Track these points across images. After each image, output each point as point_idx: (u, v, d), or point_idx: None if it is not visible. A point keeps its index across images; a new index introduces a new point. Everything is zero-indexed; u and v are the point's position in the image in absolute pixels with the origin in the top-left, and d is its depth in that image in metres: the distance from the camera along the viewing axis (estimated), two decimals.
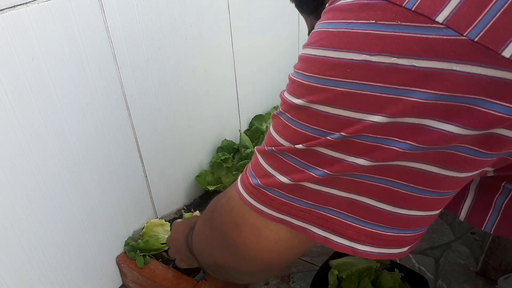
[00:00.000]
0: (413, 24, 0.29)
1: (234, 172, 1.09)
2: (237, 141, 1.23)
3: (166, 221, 1.02)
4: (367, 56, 0.31)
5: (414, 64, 0.29)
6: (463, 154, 0.33)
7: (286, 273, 1.01)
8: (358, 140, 0.34)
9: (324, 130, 0.35)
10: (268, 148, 0.40)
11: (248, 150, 1.16)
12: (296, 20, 1.39)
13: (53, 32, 0.69)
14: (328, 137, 0.35)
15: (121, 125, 0.87)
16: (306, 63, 0.36)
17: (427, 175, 0.34)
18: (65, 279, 0.85)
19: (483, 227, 0.44)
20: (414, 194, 0.36)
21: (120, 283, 1.00)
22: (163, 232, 0.99)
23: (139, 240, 0.97)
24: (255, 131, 1.24)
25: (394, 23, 0.30)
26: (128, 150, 0.91)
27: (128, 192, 0.94)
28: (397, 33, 0.30)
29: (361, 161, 0.34)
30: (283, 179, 0.39)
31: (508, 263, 0.92)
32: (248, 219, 0.44)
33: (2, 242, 0.72)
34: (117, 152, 0.88)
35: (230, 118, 1.23)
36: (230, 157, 1.14)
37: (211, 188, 1.10)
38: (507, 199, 0.42)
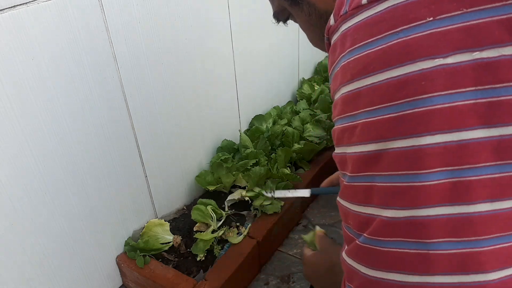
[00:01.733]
0: (483, 6, 0.26)
1: (234, 172, 1.09)
2: (237, 141, 1.23)
3: (165, 221, 1.02)
4: (440, 59, 0.27)
5: (502, 53, 0.26)
6: None
7: (286, 273, 1.02)
8: (475, 178, 0.29)
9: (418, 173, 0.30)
10: None
11: (248, 150, 1.16)
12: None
13: (53, 32, 0.69)
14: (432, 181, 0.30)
15: (121, 125, 0.87)
16: (364, 97, 0.32)
17: None
18: (65, 279, 0.85)
19: None
20: None
21: (120, 283, 1.00)
22: (163, 232, 0.99)
23: (139, 240, 0.97)
24: (255, 131, 1.24)
25: (459, 12, 0.26)
26: (128, 150, 0.91)
27: (128, 192, 0.94)
28: (467, 23, 0.26)
29: None
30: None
31: None
32: None
33: (2, 242, 0.72)
34: (117, 152, 0.88)
35: (230, 118, 1.23)
36: (230, 157, 1.14)
37: (211, 188, 1.10)
38: None
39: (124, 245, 0.96)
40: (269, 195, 0.99)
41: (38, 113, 0.71)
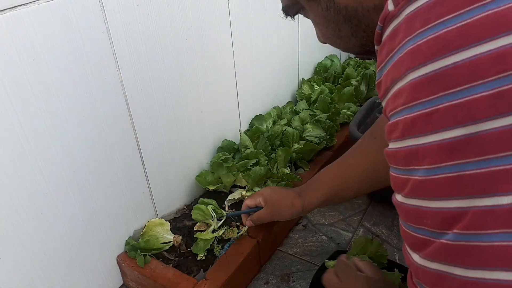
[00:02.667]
0: None
1: (234, 172, 1.10)
2: (237, 141, 1.23)
3: (166, 220, 1.03)
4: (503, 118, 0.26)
5: None
6: None
7: (286, 272, 1.02)
8: None
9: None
10: None
11: (248, 150, 1.16)
12: (296, 21, 1.39)
13: (54, 32, 0.70)
14: None
15: (121, 125, 0.87)
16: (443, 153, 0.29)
17: None
18: (66, 278, 0.85)
19: None
20: None
21: (121, 283, 1.00)
22: (163, 232, 0.99)
23: (139, 240, 0.97)
24: (255, 131, 1.24)
25: None
26: (128, 150, 0.91)
27: (129, 192, 0.94)
28: None
29: None
30: None
31: None
32: None
33: (2, 241, 0.72)
34: (117, 152, 0.88)
35: (230, 118, 1.23)
36: (230, 157, 1.14)
37: (211, 187, 1.10)
38: None
39: (125, 245, 0.97)
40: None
41: (38, 113, 0.71)
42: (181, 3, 0.93)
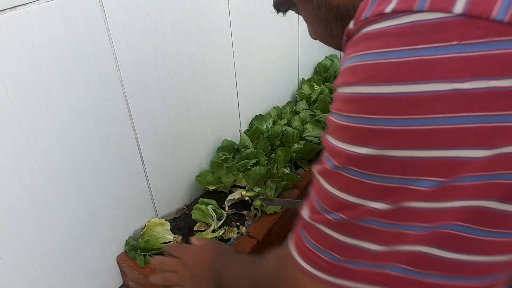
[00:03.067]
0: (508, 38, 0.25)
1: (234, 172, 1.10)
2: (237, 141, 1.23)
3: (166, 220, 1.03)
4: (457, 84, 0.27)
5: None
6: None
7: None
8: (461, 183, 0.29)
9: (409, 177, 0.30)
10: (336, 216, 0.35)
11: (248, 150, 1.16)
12: (296, 20, 1.39)
13: (54, 32, 0.70)
14: (417, 187, 0.30)
15: (121, 125, 0.87)
16: (364, 104, 0.31)
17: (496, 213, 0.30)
18: (66, 278, 0.85)
19: None
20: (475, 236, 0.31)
21: (121, 283, 1.00)
22: (163, 232, 0.99)
23: (139, 240, 0.97)
24: (255, 131, 1.24)
25: (484, 40, 0.26)
26: (128, 150, 0.91)
27: (129, 192, 0.94)
28: (490, 52, 0.26)
29: (459, 204, 0.30)
30: (374, 247, 0.34)
31: None
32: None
33: (2, 241, 0.72)
34: (117, 152, 0.88)
35: (230, 118, 1.23)
36: (230, 157, 1.14)
37: (211, 187, 1.10)
38: None
39: (125, 245, 0.97)
40: (266, 203, 0.99)
41: (38, 113, 0.71)
42: (181, 3, 0.93)
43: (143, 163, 0.96)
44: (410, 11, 0.28)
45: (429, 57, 0.27)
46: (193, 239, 0.82)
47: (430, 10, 0.27)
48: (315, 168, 0.40)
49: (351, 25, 0.35)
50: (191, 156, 1.11)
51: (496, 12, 0.25)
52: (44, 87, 0.71)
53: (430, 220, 0.31)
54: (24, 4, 0.65)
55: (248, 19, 1.17)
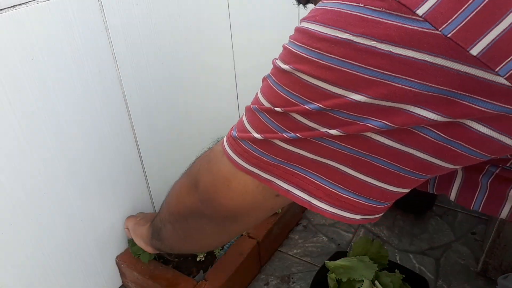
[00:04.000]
0: (395, 13, 0.31)
1: None
2: None
3: None
4: (350, 35, 0.32)
5: (391, 50, 0.31)
6: (425, 135, 0.35)
7: (286, 274, 1.01)
8: (334, 115, 0.35)
9: (303, 98, 0.37)
10: (252, 106, 0.44)
11: None
12: (296, 21, 1.39)
13: (52, 32, 0.69)
14: (306, 106, 0.37)
15: (120, 125, 0.87)
16: (299, 34, 0.38)
17: (401, 153, 0.36)
18: (65, 279, 0.85)
19: (471, 206, 0.47)
20: (387, 168, 0.38)
21: (120, 283, 1.00)
22: None
23: None
24: None
25: (380, 9, 0.31)
26: (127, 150, 0.91)
27: (128, 192, 0.94)
28: (380, 19, 0.31)
29: (333, 132, 0.36)
30: (256, 135, 0.42)
31: (508, 263, 0.92)
32: (221, 169, 0.47)
33: (1, 242, 0.71)
34: (116, 152, 0.88)
35: (230, 118, 1.23)
36: None
37: None
38: (491, 178, 0.45)
39: (128, 240, 0.96)
40: None
41: (37, 113, 0.71)
42: (181, 2, 0.92)
43: (142, 163, 0.95)
44: None
45: (344, 10, 0.33)
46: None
47: None
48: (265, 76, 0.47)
49: None
50: (190, 156, 1.10)
51: None
52: (43, 87, 0.70)
53: (302, 133, 0.39)
54: (22, 4, 0.65)
55: (248, 19, 1.17)
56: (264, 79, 0.45)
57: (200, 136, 1.12)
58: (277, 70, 0.41)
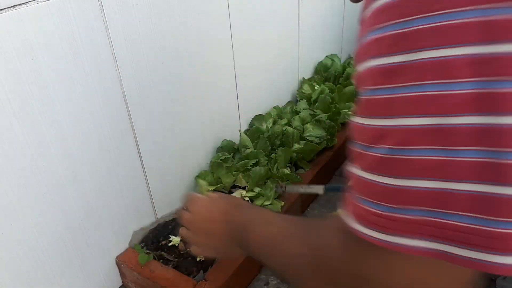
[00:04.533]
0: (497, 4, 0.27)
1: (234, 172, 1.09)
2: (237, 141, 1.23)
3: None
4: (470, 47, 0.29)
5: None
6: None
7: None
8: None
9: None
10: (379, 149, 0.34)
11: (248, 150, 1.16)
12: (296, 20, 1.39)
13: (52, 32, 0.69)
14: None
15: (120, 125, 0.87)
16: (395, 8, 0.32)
17: None
18: (65, 279, 0.85)
19: None
20: None
21: (120, 283, 1.00)
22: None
23: None
24: (255, 131, 1.24)
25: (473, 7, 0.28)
26: (127, 150, 0.91)
27: (128, 192, 0.94)
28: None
29: None
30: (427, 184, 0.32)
31: None
32: (376, 264, 0.37)
33: (1, 242, 0.71)
34: (116, 152, 0.88)
35: (230, 118, 1.23)
36: (230, 157, 1.14)
37: (211, 188, 1.10)
38: None
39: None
40: (279, 190, 0.93)
41: (37, 113, 0.71)
42: (181, 2, 0.92)
43: (142, 163, 0.95)
44: None
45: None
46: (209, 193, 0.73)
47: None
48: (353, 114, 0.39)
49: None
50: (190, 156, 1.10)
51: None
52: (43, 87, 0.70)
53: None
54: (22, 4, 0.64)
55: (248, 19, 1.17)
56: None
57: (200, 136, 1.12)
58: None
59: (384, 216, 0.34)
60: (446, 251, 0.32)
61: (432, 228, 0.32)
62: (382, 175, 0.34)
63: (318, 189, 0.81)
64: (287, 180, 1.10)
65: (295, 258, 0.49)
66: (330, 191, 0.77)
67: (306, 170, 1.20)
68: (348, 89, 1.47)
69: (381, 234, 0.35)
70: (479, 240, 0.31)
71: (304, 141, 1.23)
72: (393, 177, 0.33)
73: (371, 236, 0.35)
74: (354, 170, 0.38)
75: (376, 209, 0.35)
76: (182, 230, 0.70)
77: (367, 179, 0.35)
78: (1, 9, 0.62)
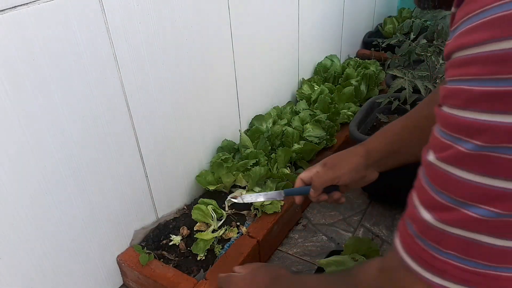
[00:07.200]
0: None
1: (234, 172, 1.10)
2: (237, 141, 1.23)
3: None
4: None
5: None
6: None
7: None
8: None
9: None
10: (477, 210, 0.32)
11: (248, 150, 1.16)
12: (296, 20, 1.39)
13: (54, 32, 0.70)
14: None
15: (121, 125, 0.87)
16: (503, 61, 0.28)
17: None
18: (66, 278, 0.85)
19: None
20: None
21: (121, 283, 1.00)
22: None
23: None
24: (255, 131, 1.24)
25: None
26: (128, 150, 0.91)
27: (129, 192, 0.94)
28: None
29: None
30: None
31: None
32: None
33: (3, 242, 0.72)
34: (117, 152, 0.88)
35: (230, 118, 1.23)
36: (230, 157, 1.14)
37: (211, 187, 1.10)
38: None
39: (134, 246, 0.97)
40: (239, 201, 0.89)
41: (38, 113, 0.71)
42: (181, 3, 0.93)
43: (143, 163, 0.96)
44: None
45: None
46: (236, 268, 0.74)
47: None
48: (428, 156, 0.35)
49: None
50: (191, 156, 1.11)
51: None
52: (44, 87, 0.71)
53: None
54: (24, 4, 0.65)
55: (248, 19, 1.17)
56: (481, 157, 0.32)
57: (200, 136, 1.12)
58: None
59: (464, 269, 0.33)
60: None
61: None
62: (468, 171, 0.32)
63: (277, 195, 0.82)
64: (287, 180, 1.11)
65: None
66: (287, 195, 0.80)
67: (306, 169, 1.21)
68: (347, 89, 1.47)
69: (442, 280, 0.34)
70: None
71: (304, 141, 1.23)
72: (482, 175, 0.31)
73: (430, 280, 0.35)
74: (430, 157, 0.35)
75: (452, 261, 0.33)
76: None
77: (446, 170, 0.33)
78: (3, 10, 0.63)
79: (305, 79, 1.57)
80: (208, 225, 1.01)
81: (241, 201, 0.84)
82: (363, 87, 1.53)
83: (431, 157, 0.35)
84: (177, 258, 0.96)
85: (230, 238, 0.98)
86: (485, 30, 0.29)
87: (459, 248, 0.33)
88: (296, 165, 1.23)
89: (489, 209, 0.31)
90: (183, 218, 1.06)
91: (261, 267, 0.72)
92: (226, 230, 0.99)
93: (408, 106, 1.14)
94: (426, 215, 0.35)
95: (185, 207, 1.11)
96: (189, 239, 1.00)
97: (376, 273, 0.44)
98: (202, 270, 0.92)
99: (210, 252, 0.96)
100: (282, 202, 1.06)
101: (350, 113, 1.39)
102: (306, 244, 1.10)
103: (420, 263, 0.36)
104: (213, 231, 0.99)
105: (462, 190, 0.32)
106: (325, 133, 1.27)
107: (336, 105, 1.39)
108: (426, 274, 0.35)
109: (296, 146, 1.22)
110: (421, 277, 0.36)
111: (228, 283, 0.72)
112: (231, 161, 1.13)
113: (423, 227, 0.35)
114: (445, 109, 0.33)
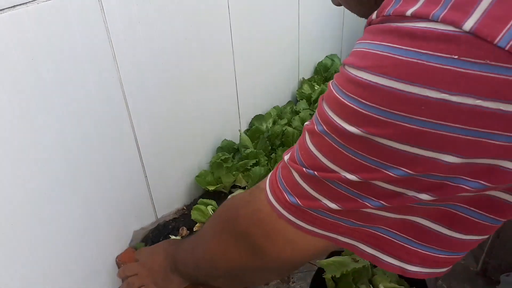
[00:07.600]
0: (504, 65, 0.26)
1: (234, 172, 1.09)
2: (237, 141, 1.23)
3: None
4: (447, 95, 0.28)
5: (501, 108, 0.28)
6: None
7: None
8: (424, 178, 0.33)
9: (385, 163, 0.33)
10: (310, 171, 0.39)
11: (248, 150, 1.16)
12: (296, 20, 1.39)
13: (52, 32, 0.69)
14: (389, 172, 0.33)
15: (121, 126, 0.87)
16: (365, 90, 0.32)
17: (494, 200, 0.35)
18: (64, 279, 0.85)
19: None
20: (476, 219, 0.37)
21: (120, 284, 1.00)
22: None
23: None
24: (255, 131, 1.24)
25: (482, 61, 0.27)
26: (127, 150, 0.91)
27: (128, 192, 0.94)
28: (484, 73, 0.27)
29: (424, 196, 0.34)
30: (331, 205, 0.39)
31: (508, 263, 0.92)
32: (283, 233, 0.45)
33: (1, 242, 0.71)
34: (116, 152, 0.88)
35: (230, 118, 1.23)
36: (230, 157, 1.14)
37: (211, 188, 1.10)
38: None
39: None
40: None
41: (37, 113, 0.71)
42: (181, 2, 0.92)
43: (142, 163, 0.95)
44: (426, 19, 0.29)
45: (430, 64, 0.29)
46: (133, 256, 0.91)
47: (443, 21, 0.29)
48: (306, 124, 0.42)
49: (374, 15, 0.36)
50: (190, 156, 1.10)
51: (500, 38, 0.26)
52: (43, 87, 0.70)
53: (389, 200, 0.36)
54: (23, 4, 0.65)
55: (248, 19, 1.17)
56: (315, 134, 0.38)
57: (200, 136, 1.12)
58: (340, 131, 0.35)
59: (296, 207, 0.43)
60: (355, 245, 0.42)
61: (352, 231, 0.41)
62: (305, 182, 0.42)
63: None
64: None
65: (211, 240, 0.59)
66: None
67: None
68: None
69: (288, 214, 0.44)
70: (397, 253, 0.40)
71: None
72: (312, 188, 0.41)
73: (281, 212, 0.44)
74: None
75: (290, 200, 0.43)
76: (130, 279, 0.85)
77: (293, 174, 0.43)
78: (1, 9, 0.62)
79: (306, 78, 1.57)
80: None
81: None
82: None
83: (305, 127, 0.42)
84: None
85: None
86: (360, 58, 0.34)
87: (289, 184, 0.44)
88: None
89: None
90: (182, 219, 1.06)
91: (166, 240, 0.88)
92: None
93: None
94: (286, 156, 0.46)
95: (185, 208, 1.10)
96: None
97: (240, 196, 0.55)
98: None
99: None
100: None
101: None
102: None
103: (270, 187, 0.46)
104: None
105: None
106: None
107: None
108: (271, 197, 0.46)
109: None
110: (294, 224, 0.44)
111: (138, 253, 0.89)
112: (231, 161, 1.13)
113: (282, 164, 0.46)
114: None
